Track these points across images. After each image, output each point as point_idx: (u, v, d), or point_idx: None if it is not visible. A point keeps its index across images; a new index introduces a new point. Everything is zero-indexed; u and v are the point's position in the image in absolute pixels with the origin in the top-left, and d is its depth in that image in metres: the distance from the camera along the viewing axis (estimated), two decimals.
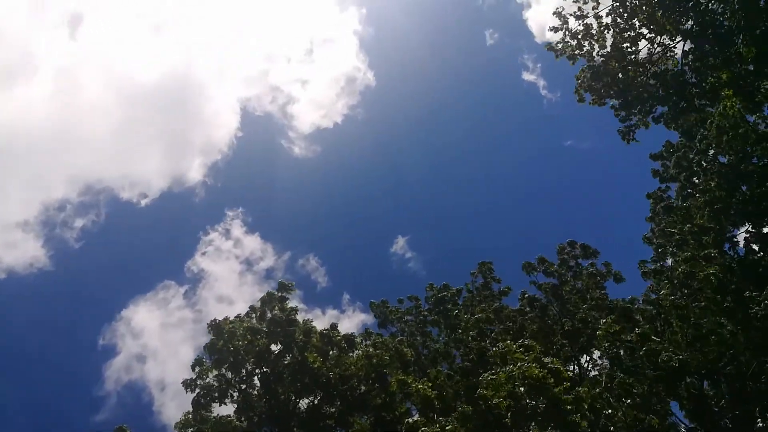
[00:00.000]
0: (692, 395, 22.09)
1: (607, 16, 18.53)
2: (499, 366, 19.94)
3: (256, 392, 26.19)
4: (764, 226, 23.47)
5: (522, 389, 18.56)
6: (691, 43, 16.94)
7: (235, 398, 25.84)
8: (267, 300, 27.82)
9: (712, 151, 27.08)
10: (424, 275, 67.77)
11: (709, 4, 15.64)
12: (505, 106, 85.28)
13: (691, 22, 16.30)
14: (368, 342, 30.86)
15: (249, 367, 26.28)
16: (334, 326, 27.86)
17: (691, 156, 29.08)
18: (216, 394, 25.57)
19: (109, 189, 68.69)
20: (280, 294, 27.91)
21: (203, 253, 68.16)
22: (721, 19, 15.29)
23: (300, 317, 27.36)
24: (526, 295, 33.17)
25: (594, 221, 73.62)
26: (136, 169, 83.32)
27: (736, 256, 24.20)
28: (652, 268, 29.90)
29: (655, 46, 18.56)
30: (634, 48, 18.64)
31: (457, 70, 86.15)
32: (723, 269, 22.24)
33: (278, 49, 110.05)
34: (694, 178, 29.05)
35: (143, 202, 69.55)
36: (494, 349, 21.59)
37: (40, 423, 51.93)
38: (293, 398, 26.09)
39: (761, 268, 22.10)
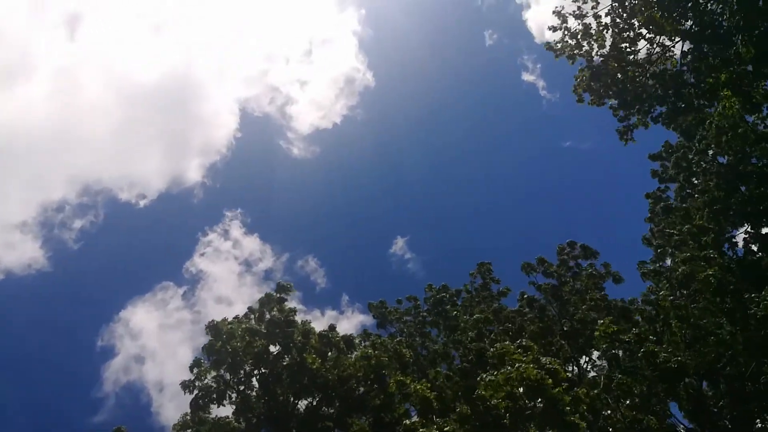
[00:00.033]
0: (691, 396, 22.07)
1: (606, 15, 18.50)
2: (498, 367, 19.91)
3: (254, 393, 26.10)
4: (763, 227, 23.47)
5: (520, 390, 18.54)
6: (690, 43, 16.91)
7: (234, 399, 25.72)
8: (266, 301, 27.75)
9: (711, 152, 27.07)
10: (423, 276, 68.02)
11: (708, 5, 15.61)
12: (505, 107, 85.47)
13: (690, 23, 16.27)
14: (367, 343, 30.76)
15: (247, 368, 26.20)
16: (332, 327, 27.82)
17: (690, 156, 29.07)
18: (214, 395, 25.45)
19: (108, 189, 68.82)
20: (278, 295, 27.83)
21: (202, 254, 68.23)
22: (720, 19, 15.25)
23: (299, 318, 27.29)
24: (525, 296, 33.13)
25: (593, 221, 73.75)
26: (135, 170, 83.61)
27: (735, 256, 24.22)
28: (652, 268, 29.89)
29: (654, 46, 18.53)
30: (633, 48, 18.61)
31: (457, 70, 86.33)
32: (722, 270, 22.24)
33: (277, 49, 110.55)
34: (693, 179, 29.06)
35: (142, 203, 69.65)
36: (492, 349, 21.55)
37: (38, 424, 51.97)
38: (292, 399, 26.02)
39: (760, 269, 22.10)
